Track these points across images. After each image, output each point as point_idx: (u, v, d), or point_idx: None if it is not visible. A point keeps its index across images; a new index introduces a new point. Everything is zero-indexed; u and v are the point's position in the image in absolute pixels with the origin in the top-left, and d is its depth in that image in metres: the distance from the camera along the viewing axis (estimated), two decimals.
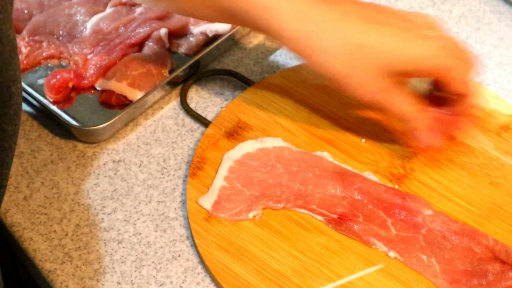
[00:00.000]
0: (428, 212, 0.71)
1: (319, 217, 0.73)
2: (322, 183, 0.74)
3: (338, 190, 0.73)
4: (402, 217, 0.72)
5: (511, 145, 0.78)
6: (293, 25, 0.68)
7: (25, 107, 0.82)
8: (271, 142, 0.77)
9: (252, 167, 0.76)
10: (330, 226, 0.72)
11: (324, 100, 0.82)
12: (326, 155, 0.77)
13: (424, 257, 0.69)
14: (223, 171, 0.75)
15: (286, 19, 0.67)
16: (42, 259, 0.72)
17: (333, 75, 0.69)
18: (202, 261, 0.71)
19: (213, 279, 0.70)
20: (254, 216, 0.72)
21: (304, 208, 0.73)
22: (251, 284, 0.68)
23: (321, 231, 0.72)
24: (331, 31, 0.67)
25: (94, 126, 0.78)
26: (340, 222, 0.72)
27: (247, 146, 0.77)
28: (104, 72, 0.83)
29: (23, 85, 0.82)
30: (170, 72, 0.84)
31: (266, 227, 0.72)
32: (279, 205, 0.73)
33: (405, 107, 0.71)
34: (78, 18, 0.88)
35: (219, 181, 0.74)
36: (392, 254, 0.70)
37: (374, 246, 0.71)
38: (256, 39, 0.89)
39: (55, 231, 0.74)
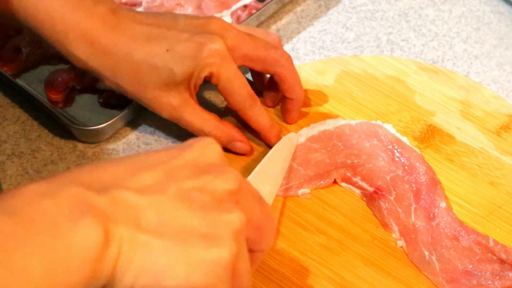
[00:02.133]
0: (443, 204, 0.72)
1: (357, 191, 0.74)
2: (375, 154, 0.76)
3: (387, 163, 0.75)
4: (425, 205, 0.72)
5: (511, 145, 0.78)
6: (83, 50, 0.72)
7: (25, 107, 0.82)
8: (333, 124, 0.78)
9: (313, 149, 0.77)
10: (364, 199, 0.74)
11: (324, 100, 0.82)
12: (388, 126, 0.78)
13: (426, 253, 0.70)
14: None
15: (76, 44, 0.72)
16: None
17: (124, 92, 0.74)
18: None
19: None
20: (303, 194, 0.74)
21: (347, 182, 0.75)
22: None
23: (321, 231, 0.72)
24: (117, 53, 0.72)
25: (94, 126, 0.78)
26: (373, 197, 0.73)
27: (312, 130, 0.78)
28: None
29: (24, 85, 0.82)
30: None
31: None
32: (327, 180, 0.74)
33: (199, 124, 0.75)
34: None
35: None
36: (400, 243, 0.71)
37: (391, 232, 0.72)
38: None
39: None
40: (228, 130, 0.76)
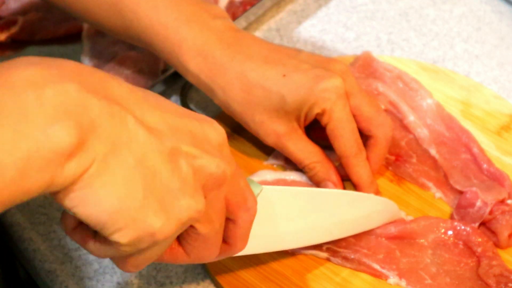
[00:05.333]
0: (429, 101, 0.79)
1: None
2: None
3: (398, 131, 0.77)
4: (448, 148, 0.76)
5: (511, 145, 0.78)
6: (195, 63, 0.71)
7: None
8: None
9: None
10: (390, 168, 0.75)
11: None
12: None
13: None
14: None
15: (189, 57, 0.70)
16: (41, 259, 0.72)
17: (232, 113, 0.72)
18: None
19: (213, 279, 0.70)
20: None
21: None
22: (251, 284, 0.68)
23: None
24: (230, 70, 0.70)
25: None
26: (398, 164, 0.75)
27: None
28: None
29: None
30: (163, 71, 0.83)
31: None
32: None
33: (303, 155, 0.72)
34: None
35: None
36: (438, 194, 0.74)
37: (431, 191, 0.74)
38: None
39: (54, 231, 0.74)
40: (329, 167, 0.72)
